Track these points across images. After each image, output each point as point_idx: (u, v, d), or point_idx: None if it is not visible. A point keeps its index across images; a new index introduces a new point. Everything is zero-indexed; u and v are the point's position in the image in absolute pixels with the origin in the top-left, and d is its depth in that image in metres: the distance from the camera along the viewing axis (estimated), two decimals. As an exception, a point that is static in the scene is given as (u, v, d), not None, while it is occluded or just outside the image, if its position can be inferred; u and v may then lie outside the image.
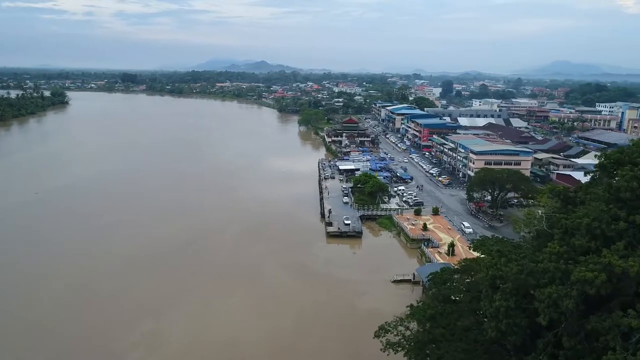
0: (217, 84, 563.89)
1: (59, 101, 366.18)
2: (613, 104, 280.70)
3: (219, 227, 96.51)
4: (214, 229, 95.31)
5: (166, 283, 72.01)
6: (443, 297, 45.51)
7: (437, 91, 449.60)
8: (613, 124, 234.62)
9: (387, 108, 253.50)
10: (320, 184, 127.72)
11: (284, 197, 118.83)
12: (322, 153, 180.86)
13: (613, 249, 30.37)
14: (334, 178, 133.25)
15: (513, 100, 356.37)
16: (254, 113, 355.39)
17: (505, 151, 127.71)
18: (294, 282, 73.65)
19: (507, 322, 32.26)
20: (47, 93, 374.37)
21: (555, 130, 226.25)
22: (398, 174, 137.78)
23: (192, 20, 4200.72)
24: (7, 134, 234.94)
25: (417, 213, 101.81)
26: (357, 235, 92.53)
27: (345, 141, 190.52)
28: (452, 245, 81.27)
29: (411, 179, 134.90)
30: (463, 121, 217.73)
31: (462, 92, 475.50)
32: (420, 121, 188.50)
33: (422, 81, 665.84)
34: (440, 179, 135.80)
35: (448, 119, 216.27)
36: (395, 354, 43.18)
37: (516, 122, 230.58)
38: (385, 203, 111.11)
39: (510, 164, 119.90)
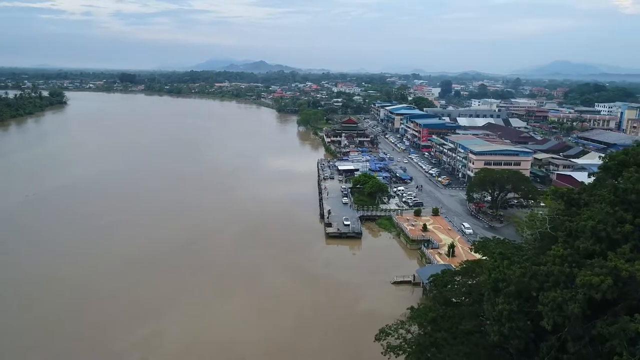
0: (216, 84, 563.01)
1: (57, 101, 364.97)
2: (612, 104, 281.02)
3: (218, 227, 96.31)
4: (213, 229, 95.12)
5: (166, 283, 71.88)
6: (444, 300, 45.17)
7: (436, 91, 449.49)
8: (612, 124, 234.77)
9: (386, 108, 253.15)
10: (319, 185, 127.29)
11: (283, 198, 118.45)
12: (321, 153, 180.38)
13: (619, 252, 30.05)
14: (333, 178, 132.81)
15: (512, 100, 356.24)
16: (252, 113, 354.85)
17: (505, 151, 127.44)
18: (293, 283, 73.37)
19: (510, 325, 31.94)
20: (45, 93, 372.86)
21: (554, 130, 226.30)
22: (397, 175, 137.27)
23: (191, 20, 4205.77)
24: (5, 134, 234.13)
25: (417, 214, 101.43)
26: (356, 236, 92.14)
27: (344, 141, 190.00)
28: (452, 246, 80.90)
29: (410, 179, 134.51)
30: (462, 121, 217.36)
31: (461, 92, 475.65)
32: (419, 121, 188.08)
33: (421, 81, 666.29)
34: (439, 179, 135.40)
35: (447, 119, 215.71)
36: (396, 357, 42.75)
37: (515, 122, 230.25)
38: (385, 204, 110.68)
39: (510, 164, 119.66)
